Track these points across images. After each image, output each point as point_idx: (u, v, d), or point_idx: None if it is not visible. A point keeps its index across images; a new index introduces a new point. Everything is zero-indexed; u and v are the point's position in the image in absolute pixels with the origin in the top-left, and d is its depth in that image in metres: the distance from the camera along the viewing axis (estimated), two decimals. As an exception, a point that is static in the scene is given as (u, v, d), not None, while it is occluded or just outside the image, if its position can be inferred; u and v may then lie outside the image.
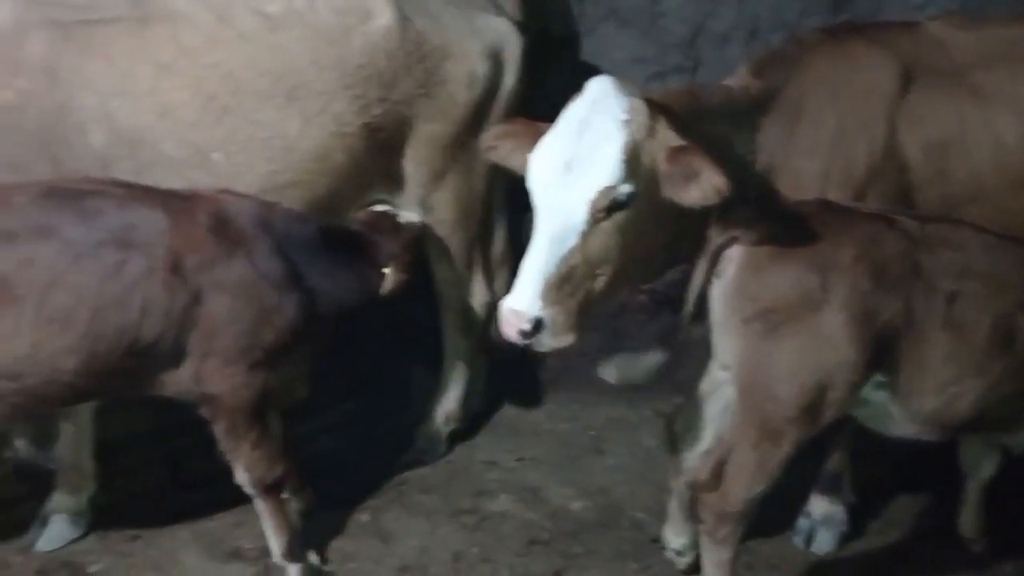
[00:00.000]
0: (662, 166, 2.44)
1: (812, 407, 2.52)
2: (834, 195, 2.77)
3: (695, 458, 2.86)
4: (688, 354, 3.39)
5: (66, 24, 2.85)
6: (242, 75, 2.93)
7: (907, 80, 2.88)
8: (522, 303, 2.37)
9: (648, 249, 2.59)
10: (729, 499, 2.62)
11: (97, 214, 2.57)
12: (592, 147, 2.41)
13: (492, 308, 3.38)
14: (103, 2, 2.92)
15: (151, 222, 2.61)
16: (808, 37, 3.01)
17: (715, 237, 2.57)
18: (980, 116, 2.88)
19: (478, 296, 3.62)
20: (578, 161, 2.40)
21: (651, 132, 2.45)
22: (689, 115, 2.59)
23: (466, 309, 3.61)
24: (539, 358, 4.01)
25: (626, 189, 2.39)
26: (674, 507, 3.01)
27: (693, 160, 2.40)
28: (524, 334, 2.38)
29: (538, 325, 2.38)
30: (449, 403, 3.70)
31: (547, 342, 2.43)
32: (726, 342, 2.63)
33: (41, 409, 2.88)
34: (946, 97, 2.88)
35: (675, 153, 2.43)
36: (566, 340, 2.46)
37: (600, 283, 2.48)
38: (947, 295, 2.51)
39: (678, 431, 2.91)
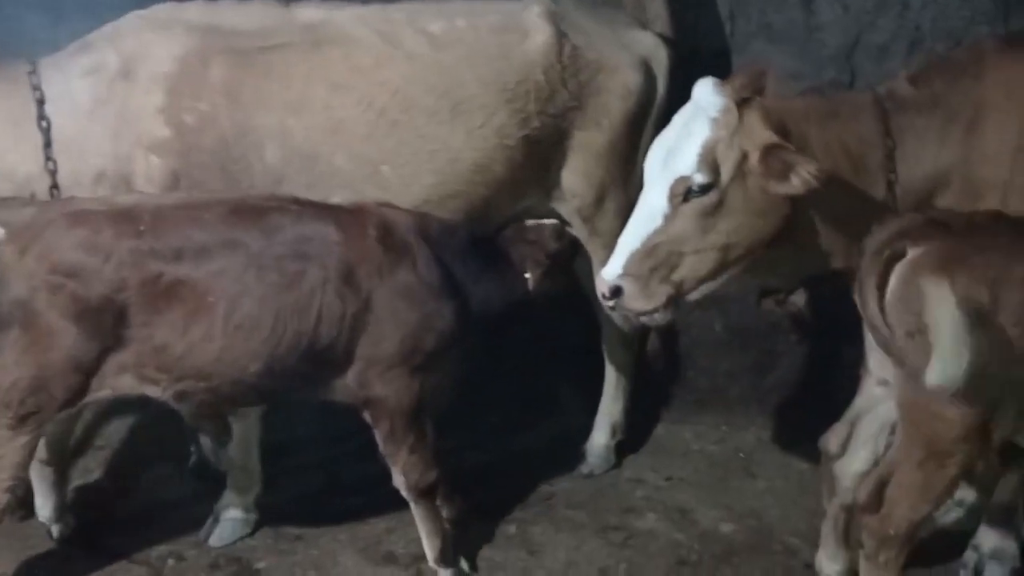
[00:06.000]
0: (755, 161, 2.64)
1: (983, 425, 2.42)
2: (1016, 206, 2.68)
3: (851, 479, 2.78)
4: (842, 372, 3.29)
5: (246, 51, 3.05)
6: (410, 91, 3.09)
7: None
8: (606, 271, 2.74)
9: (750, 242, 2.73)
10: (892, 521, 2.53)
11: (277, 229, 2.75)
12: (682, 141, 2.71)
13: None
14: (277, 30, 3.12)
15: (325, 235, 2.77)
16: (984, 45, 2.95)
17: (874, 248, 2.53)
18: None
19: None
20: (671, 153, 2.72)
21: (739, 130, 2.66)
22: (814, 117, 2.78)
23: None
24: (687, 378, 4.03)
25: (700, 179, 2.67)
26: (828, 531, 2.92)
27: (785, 155, 2.60)
28: (605, 297, 2.74)
29: (617, 291, 2.72)
30: (615, 415, 3.73)
31: (623, 305, 2.74)
32: (886, 357, 2.56)
33: (225, 407, 3.07)
34: None
35: (768, 149, 2.63)
36: (639, 305, 2.73)
37: (689, 263, 2.72)
38: None
39: (832, 451, 2.85)
